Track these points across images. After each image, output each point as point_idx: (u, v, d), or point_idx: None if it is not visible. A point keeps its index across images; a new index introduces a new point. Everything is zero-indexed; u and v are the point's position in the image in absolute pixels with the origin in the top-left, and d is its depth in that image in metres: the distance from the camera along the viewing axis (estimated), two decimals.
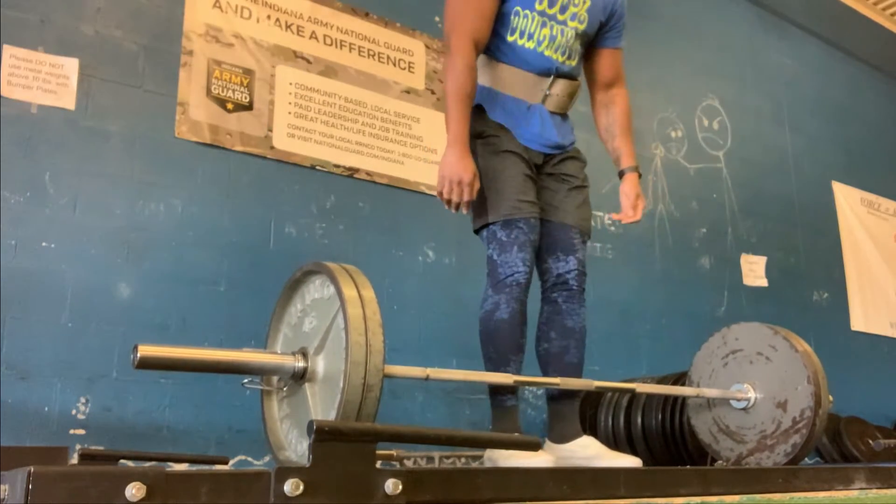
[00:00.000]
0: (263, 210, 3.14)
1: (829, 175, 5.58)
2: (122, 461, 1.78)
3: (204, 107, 3.08)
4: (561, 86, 2.10)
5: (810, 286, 5.20)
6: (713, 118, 4.98)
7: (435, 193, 1.99)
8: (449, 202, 1.93)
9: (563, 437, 1.94)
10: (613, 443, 3.03)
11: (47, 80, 2.79)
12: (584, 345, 2.08)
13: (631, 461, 1.83)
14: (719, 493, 1.48)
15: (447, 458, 2.74)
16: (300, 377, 1.50)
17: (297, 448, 1.54)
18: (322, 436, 1.00)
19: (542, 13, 2.05)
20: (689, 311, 4.37)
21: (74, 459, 2.04)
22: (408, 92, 3.67)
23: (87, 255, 2.74)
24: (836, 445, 3.84)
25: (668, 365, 3.52)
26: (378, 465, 1.06)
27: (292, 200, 3.22)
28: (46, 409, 2.56)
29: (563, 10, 2.07)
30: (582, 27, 2.11)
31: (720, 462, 2.18)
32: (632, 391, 2.17)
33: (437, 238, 3.54)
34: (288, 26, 3.39)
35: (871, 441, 3.88)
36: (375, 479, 1.03)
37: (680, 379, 2.92)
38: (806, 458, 2.13)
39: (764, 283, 4.86)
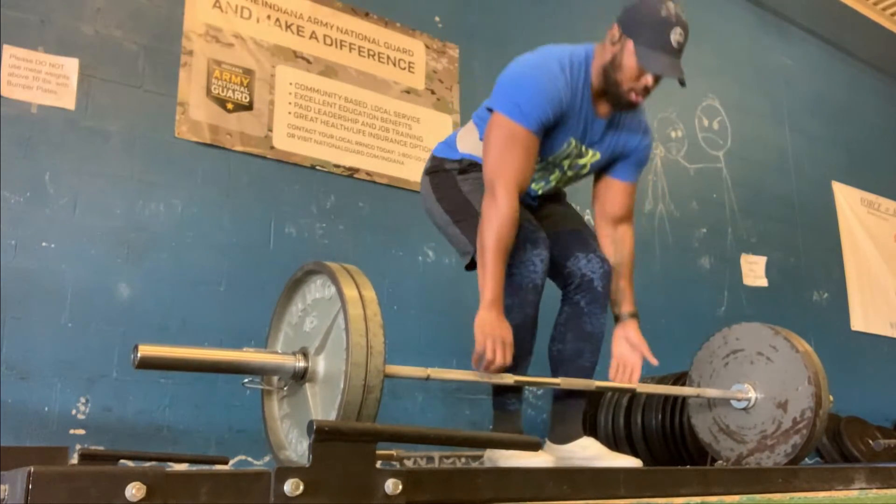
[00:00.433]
0: (263, 210, 3.14)
1: (829, 175, 5.57)
2: (121, 461, 1.78)
3: (204, 107, 3.08)
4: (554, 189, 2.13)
5: (810, 286, 5.19)
6: (713, 118, 4.98)
7: (474, 355, 1.73)
8: (489, 363, 1.71)
9: (563, 438, 1.94)
10: (613, 443, 3.03)
11: (47, 80, 2.79)
12: (599, 351, 2.03)
13: (631, 462, 1.83)
14: (719, 493, 1.47)
15: (447, 458, 2.74)
16: (301, 377, 1.50)
17: (297, 448, 1.54)
18: (322, 436, 1.00)
19: (552, 160, 1.99)
20: (688, 311, 4.36)
21: (74, 459, 2.03)
22: (408, 92, 3.67)
23: (87, 255, 2.74)
24: (836, 445, 3.84)
25: (668, 365, 3.51)
26: (378, 465, 1.06)
27: (292, 200, 3.21)
28: (46, 409, 2.56)
29: (573, 167, 2.05)
30: (584, 171, 2.08)
31: (720, 462, 2.18)
32: (632, 391, 2.17)
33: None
34: (288, 26, 3.39)
35: (871, 441, 3.88)
36: (375, 479, 1.03)
37: (680, 379, 2.92)
38: (806, 458, 2.13)
39: (764, 283, 4.86)
